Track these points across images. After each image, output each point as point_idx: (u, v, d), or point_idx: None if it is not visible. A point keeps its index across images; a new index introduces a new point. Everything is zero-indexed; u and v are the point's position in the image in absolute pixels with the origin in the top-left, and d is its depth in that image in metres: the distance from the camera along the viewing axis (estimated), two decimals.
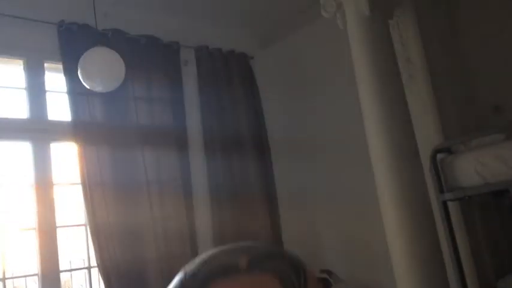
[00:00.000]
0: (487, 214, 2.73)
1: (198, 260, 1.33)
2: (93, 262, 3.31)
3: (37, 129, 3.32)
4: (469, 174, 2.46)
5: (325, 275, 3.80)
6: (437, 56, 2.96)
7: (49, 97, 3.44)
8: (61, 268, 3.25)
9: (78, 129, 3.37)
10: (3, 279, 3.18)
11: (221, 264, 1.24)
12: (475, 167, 2.43)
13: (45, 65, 3.46)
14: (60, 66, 3.41)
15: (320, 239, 4.09)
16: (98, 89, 3.11)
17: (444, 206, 2.53)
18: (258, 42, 4.47)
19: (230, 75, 4.19)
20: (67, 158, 3.46)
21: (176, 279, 1.28)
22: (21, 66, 3.39)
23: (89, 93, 3.34)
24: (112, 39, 3.50)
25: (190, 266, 1.31)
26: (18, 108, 3.35)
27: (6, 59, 3.42)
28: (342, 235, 3.91)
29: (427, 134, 2.79)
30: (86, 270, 3.44)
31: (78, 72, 3.03)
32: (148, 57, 3.76)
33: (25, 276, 3.29)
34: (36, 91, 3.39)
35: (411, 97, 2.73)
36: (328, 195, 4.01)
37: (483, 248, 2.69)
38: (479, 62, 2.94)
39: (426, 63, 2.89)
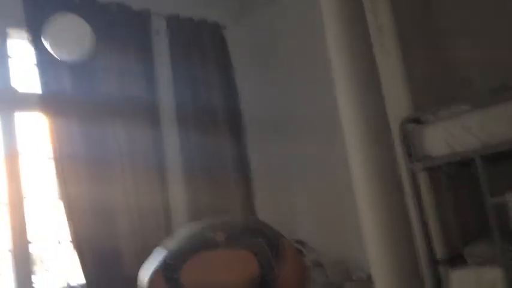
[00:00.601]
0: (454, 183, 2.78)
1: (178, 236, 1.33)
2: (66, 236, 3.27)
3: (2, 99, 3.21)
4: (437, 144, 2.49)
5: (298, 246, 3.86)
6: (408, 26, 2.96)
7: (14, 65, 3.32)
8: (32, 241, 3.21)
9: (47, 101, 3.26)
10: None
11: (201, 240, 1.25)
12: (444, 137, 2.46)
13: (9, 30, 3.30)
14: (24, 33, 3.28)
15: (293, 212, 4.13)
16: (65, 57, 3.02)
17: (413, 175, 2.57)
18: (231, 11, 4.38)
19: (203, 45, 4.11)
20: (36, 130, 3.37)
21: (158, 255, 1.29)
22: None
23: (57, 63, 3.24)
24: (79, 5, 3.37)
25: (171, 242, 1.31)
26: None
27: None
28: (315, 208, 3.96)
29: (397, 104, 2.81)
30: (57, 245, 3.41)
31: (42, 39, 2.93)
32: (118, 26, 3.65)
33: None
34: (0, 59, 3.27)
35: (382, 67, 2.73)
36: (301, 169, 4.04)
37: (450, 216, 2.75)
38: (449, 33, 2.96)
39: (397, 33, 2.88)
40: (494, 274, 2.33)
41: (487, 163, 2.32)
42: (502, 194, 2.24)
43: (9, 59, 3.29)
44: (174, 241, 1.30)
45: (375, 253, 2.49)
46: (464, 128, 2.36)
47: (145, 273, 1.26)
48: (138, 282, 1.25)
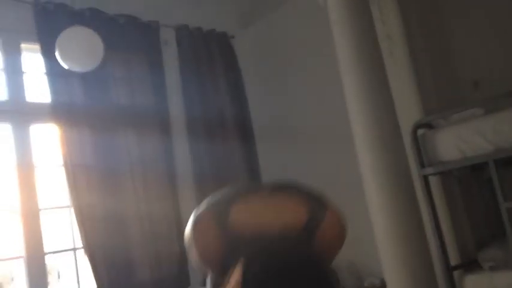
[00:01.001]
0: (467, 188, 2.78)
1: (220, 191, 1.34)
2: (79, 244, 3.30)
3: (16, 111, 3.26)
4: (449, 149, 2.50)
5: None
6: (417, 32, 2.97)
7: (28, 78, 3.38)
8: (46, 251, 3.24)
9: (58, 111, 3.32)
10: None
11: (248, 186, 1.28)
12: (455, 142, 2.47)
13: (22, 45, 3.39)
14: (37, 46, 3.34)
15: None
16: (77, 69, 3.06)
17: (425, 180, 2.57)
18: (238, 21, 4.42)
19: (211, 55, 4.15)
20: (48, 140, 3.41)
21: (200, 208, 1.28)
22: None
23: (68, 74, 3.28)
24: (89, 18, 3.44)
25: (212, 197, 1.33)
26: None
27: None
28: None
29: (408, 110, 2.82)
30: (72, 253, 3.43)
31: (56, 53, 2.98)
32: (128, 37, 3.70)
33: (10, 259, 3.26)
34: (14, 72, 3.32)
35: (392, 74, 2.74)
36: (312, 176, 4.00)
37: (463, 221, 2.74)
38: (458, 38, 2.96)
39: (406, 40, 2.90)
40: (508, 278, 2.33)
41: (500, 167, 2.32)
42: None
43: (23, 73, 3.35)
44: (218, 193, 1.31)
45: (388, 259, 2.49)
46: (477, 132, 2.36)
47: (191, 218, 1.24)
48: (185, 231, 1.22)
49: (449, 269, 2.50)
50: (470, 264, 2.59)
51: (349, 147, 2.91)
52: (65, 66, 3.05)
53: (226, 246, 1.15)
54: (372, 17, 2.81)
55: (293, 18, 4.05)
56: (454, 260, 2.61)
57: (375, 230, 2.54)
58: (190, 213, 4.23)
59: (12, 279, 3.43)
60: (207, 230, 1.20)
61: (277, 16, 4.18)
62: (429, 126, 2.71)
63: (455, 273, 2.54)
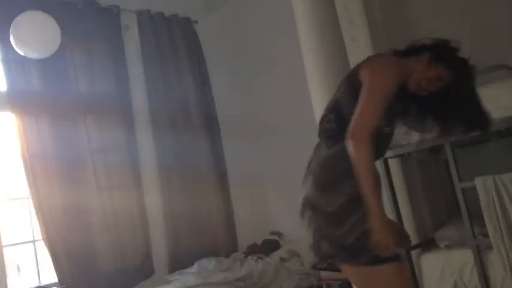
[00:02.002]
0: (425, 169, 2.85)
1: None
2: (38, 236, 3.23)
3: None
4: (407, 132, 2.54)
5: (275, 237, 3.90)
6: (378, 17, 3.00)
7: None
8: (4, 243, 3.15)
9: (15, 99, 3.21)
10: None
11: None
12: None
13: None
14: None
15: (269, 206, 4.13)
16: (33, 55, 2.97)
17: (385, 163, 2.61)
18: (202, 6, 4.36)
19: (174, 40, 4.09)
20: (5, 130, 3.31)
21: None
22: None
23: (25, 61, 3.18)
24: (46, 2, 3.31)
25: None
26: None
27: None
28: (292, 202, 3.95)
29: None
30: (31, 245, 3.35)
31: (11, 38, 2.88)
32: (87, 22, 3.61)
33: None
34: None
35: (353, 59, 2.77)
36: (275, 164, 4.04)
37: (422, 201, 2.81)
38: (419, 23, 3.01)
39: (368, 25, 2.92)
40: (463, 257, 2.41)
41: (456, 149, 2.39)
42: (471, 177, 2.31)
43: None
44: None
45: None
46: None
47: None
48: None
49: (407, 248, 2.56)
50: (428, 244, 2.66)
51: (311, 137, 2.94)
52: (21, 53, 2.95)
53: None
54: (334, 2, 2.83)
55: (257, 3, 4.03)
56: (412, 240, 2.67)
57: None
58: (155, 204, 4.17)
59: None
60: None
61: (241, 2, 4.15)
62: None
63: (413, 252, 2.61)
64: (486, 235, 2.24)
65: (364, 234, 1.41)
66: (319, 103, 2.68)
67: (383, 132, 1.56)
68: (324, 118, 1.61)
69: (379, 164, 2.61)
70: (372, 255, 1.42)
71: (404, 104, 1.61)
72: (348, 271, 1.52)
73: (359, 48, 2.96)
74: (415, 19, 3.02)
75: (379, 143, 1.52)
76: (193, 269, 3.47)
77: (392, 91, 1.48)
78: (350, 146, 1.42)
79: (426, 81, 1.55)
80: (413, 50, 1.61)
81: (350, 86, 1.53)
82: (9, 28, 2.90)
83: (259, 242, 3.87)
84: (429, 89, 1.56)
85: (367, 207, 1.40)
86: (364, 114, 1.43)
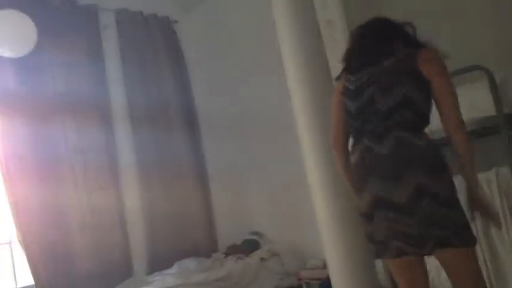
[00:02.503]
0: None
1: None
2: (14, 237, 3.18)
3: None
4: None
5: (255, 237, 3.90)
6: (357, 17, 3.02)
7: None
8: None
9: None
10: None
11: None
12: None
13: None
14: None
15: (249, 206, 4.14)
16: (8, 54, 2.92)
17: None
18: (181, 5, 4.34)
19: (153, 40, 4.07)
20: None
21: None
22: None
23: (0, 60, 3.13)
24: (21, 1, 3.26)
25: None
26: None
27: None
28: (270, 200, 4.00)
29: None
30: (8, 246, 3.29)
31: None
32: (64, 20, 3.56)
33: None
34: None
35: (332, 58, 2.78)
36: (255, 164, 4.05)
37: None
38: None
39: (347, 25, 2.94)
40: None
41: None
42: None
43: None
44: None
45: (328, 241, 2.55)
46: None
47: None
48: None
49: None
50: None
51: (291, 135, 2.96)
52: None
53: None
54: (313, 1, 2.84)
55: (236, 2, 4.03)
56: None
57: (316, 211, 2.59)
58: (134, 204, 4.11)
59: None
60: None
61: (220, 1, 4.14)
62: None
63: None
64: None
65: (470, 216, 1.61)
66: (298, 102, 2.68)
67: None
68: (393, 112, 1.60)
69: None
70: (474, 236, 1.60)
71: None
72: (457, 256, 1.57)
73: (338, 46, 2.98)
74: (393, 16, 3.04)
75: None
76: (173, 269, 3.45)
77: None
78: (462, 135, 1.58)
79: None
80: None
81: (418, 81, 1.60)
82: None
83: (239, 242, 3.87)
84: None
85: (474, 189, 1.63)
86: (458, 107, 1.60)
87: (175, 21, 4.25)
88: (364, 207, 1.65)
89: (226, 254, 3.74)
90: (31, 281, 3.09)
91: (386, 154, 1.58)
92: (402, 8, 3.05)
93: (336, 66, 2.81)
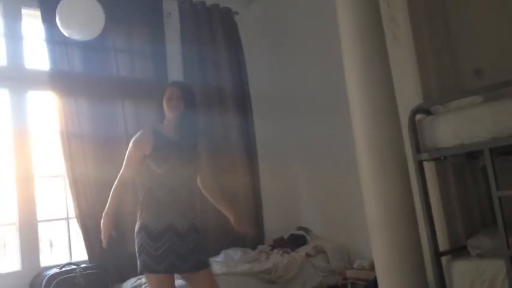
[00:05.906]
0: (461, 175, 2.78)
1: None
2: (72, 214, 3.31)
3: (14, 77, 3.25)
4: (445, 135, 2.48)
5: (302, 232, 3.89)
6: (421, 17, 2.93)
7: (27, 45, 3.36)
8: (39, 219, 3.25)
9: (57, 79, 3.31)
10: None
11: None
12: (452, 128, 2.45)
13: (23, 11, 3.36)
14: (38, 12, 3.31)
15: (298, 198, 4.15)
16: (77, 37, 3.03)
17: (420, 165, 2.56)
18: None
19: (214, 30, 4.12)
20: (45, 108, 3.40)
21: None
22: None
23: (68, 42, 3.27)
24: None
25: None
26: None
27: None
28: (321, 198, 3.97)
29: (408, 94, 2.80)
30: (65, 222, 3.44)
31: (56, 19, 2.95)
32: (130, 8, 3.67)
33: (3, 225, 3.27)
34: (14, 38, 3.30)
35: (394, 57, 2.72)
36: (308, 154, 4.05)
37: (455, 207, 2.74)
38: (461, 25, 2.93)
39: (410, 24, 2.86)
40: (495, 267, 2.34)
41: (495, 156, 2.31)
42: (509, 187, 2.24)
43: (23, 39, 3.32)
44: None
45: (378, 242, 2.49)
46: (474, 119, 2.35)
47: None
48: None
49: (437, 254, 2.51)
50: (459, 251, 2.60)
51: (345, 128, 2.91)
52: (65, 34, 3.02)
53: None
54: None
55: None
56: (443, 246, 2.62)
57: (367, 213, 2.54)
58: None
59: (5, 245, 3.45)
60: None
61: None
62: (427, 112, 2.69)
63: (443, 259, 2.55)
64: None
65: None
66: (355, 95, 2.62)
67: None
68: None
69: (413, 166, 2.57)
70: None
71: None
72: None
73: (400, 45, 2.91)
74: (463, 19, 2.93)
75: None
76: (219, 258, 3.50)
77: None
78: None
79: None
80: None
81: None
82: (55, 9, 2.97)
83: (285, 236, 3.87)
84: None
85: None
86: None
87: (236, 13, 4.28)
88: None
89: (272, 247, 3.74)
90: (85, 256, 3.22)
91: None
92: (465, 4, 2.95)
93: (396, 64, 2.77)
